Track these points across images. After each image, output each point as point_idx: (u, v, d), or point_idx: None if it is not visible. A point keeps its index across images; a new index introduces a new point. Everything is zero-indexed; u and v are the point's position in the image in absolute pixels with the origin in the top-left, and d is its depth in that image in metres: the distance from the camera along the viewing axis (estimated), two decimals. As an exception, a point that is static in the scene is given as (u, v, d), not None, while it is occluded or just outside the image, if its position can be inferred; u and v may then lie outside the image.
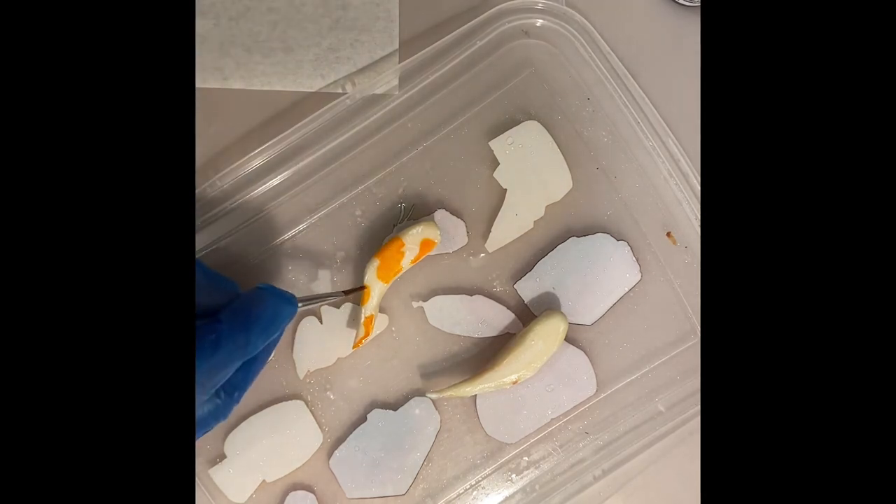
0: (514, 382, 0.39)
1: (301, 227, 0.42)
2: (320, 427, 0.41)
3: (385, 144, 0.42)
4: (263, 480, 0.40)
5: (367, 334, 0.40)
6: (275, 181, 0.41)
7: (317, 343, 0.41)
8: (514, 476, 0.41)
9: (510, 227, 0.42)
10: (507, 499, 0.41)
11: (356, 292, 0.40)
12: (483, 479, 0.41)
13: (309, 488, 0.41)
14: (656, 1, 0.44)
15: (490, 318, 0.42)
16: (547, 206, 0.42)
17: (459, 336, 0.42)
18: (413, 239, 0.40)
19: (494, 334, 0.42)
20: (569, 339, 0.41)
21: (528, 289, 0.42)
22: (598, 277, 0.42)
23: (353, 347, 0.41)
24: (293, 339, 0.41)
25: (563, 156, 0.42)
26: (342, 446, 0.41)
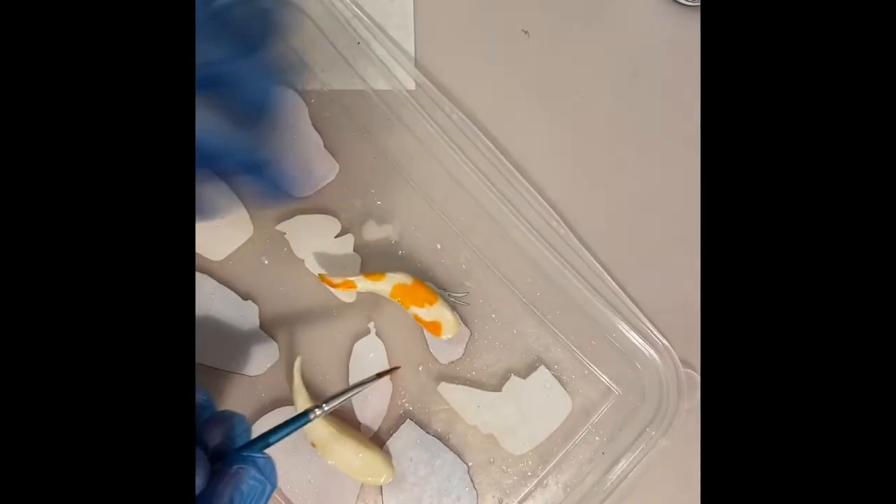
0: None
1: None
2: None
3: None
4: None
5: (334, 286, 0.40)
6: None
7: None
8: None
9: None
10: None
11: (391, 372, 0.38)
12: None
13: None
14: (656, 1, 0.42)
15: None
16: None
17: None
18: (440, 313, 0.39)
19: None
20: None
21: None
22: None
23: (322, 280, 0.40)
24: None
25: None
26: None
